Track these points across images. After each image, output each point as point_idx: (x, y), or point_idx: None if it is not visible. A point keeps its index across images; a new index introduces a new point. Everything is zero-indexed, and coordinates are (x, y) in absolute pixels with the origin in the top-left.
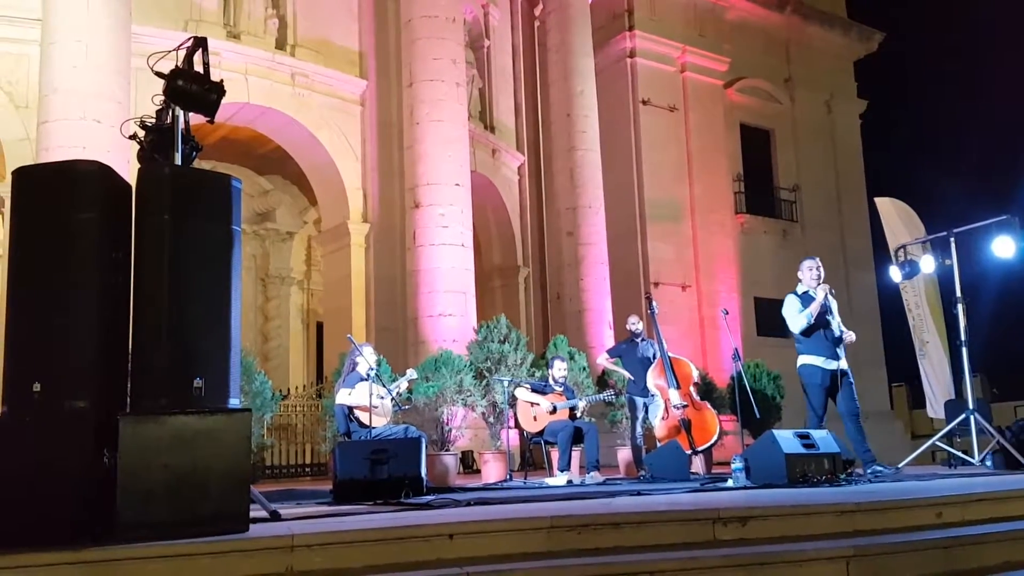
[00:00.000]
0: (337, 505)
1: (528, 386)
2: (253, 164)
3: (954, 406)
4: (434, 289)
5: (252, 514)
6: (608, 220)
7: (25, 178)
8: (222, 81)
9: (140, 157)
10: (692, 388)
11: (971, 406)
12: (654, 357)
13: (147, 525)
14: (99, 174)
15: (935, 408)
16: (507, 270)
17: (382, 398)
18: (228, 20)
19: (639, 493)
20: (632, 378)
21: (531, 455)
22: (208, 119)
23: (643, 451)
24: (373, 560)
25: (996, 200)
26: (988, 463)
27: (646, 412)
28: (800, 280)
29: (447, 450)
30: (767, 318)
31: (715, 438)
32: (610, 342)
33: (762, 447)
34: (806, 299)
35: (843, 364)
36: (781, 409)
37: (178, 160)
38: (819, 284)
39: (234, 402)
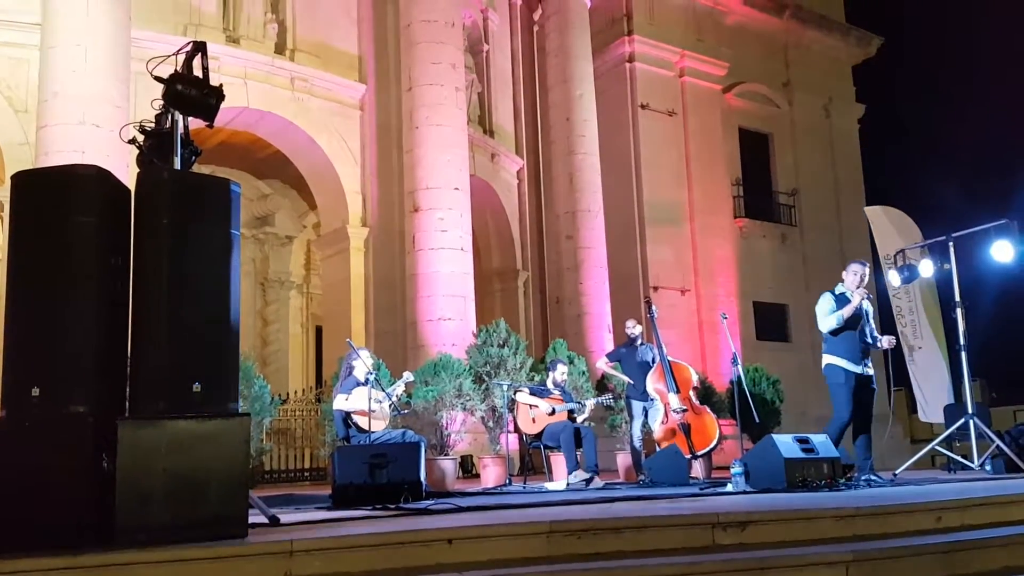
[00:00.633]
0: (336, 510)
1: (527, 390)
2: (252, 168)
3: (953, 410)
4: (433, 293)
5: (251, 519)
6: (607, 224)
7: (24, 182)
8: (221, 85)
9: (139, 161)
10: (692, 392)
11: (970, 410)
12: (653, 361)
13: (146, 529)
14: (98, 178)
15: (926, 412)
16: (506, 274)
17: (379, 402)
18: (227, 24)
19: (639, 498)
20: (631, 382)
21: (531, 459)
22: (207, 123)
23: (643, 455)
24: (372, 565)
25: (995, 204)
26: (988, 467)
27: (646, 416)
28: (842, 280)
29: (446, 455)
30: (766, 322)
31: (714, 442)
32: (610, 346)
33: (761, 451)
34: (841, 300)
35: (869, 370)
36: (780, 413)
37: (177, 164)
38: (859, 288)
39: (233, 406)
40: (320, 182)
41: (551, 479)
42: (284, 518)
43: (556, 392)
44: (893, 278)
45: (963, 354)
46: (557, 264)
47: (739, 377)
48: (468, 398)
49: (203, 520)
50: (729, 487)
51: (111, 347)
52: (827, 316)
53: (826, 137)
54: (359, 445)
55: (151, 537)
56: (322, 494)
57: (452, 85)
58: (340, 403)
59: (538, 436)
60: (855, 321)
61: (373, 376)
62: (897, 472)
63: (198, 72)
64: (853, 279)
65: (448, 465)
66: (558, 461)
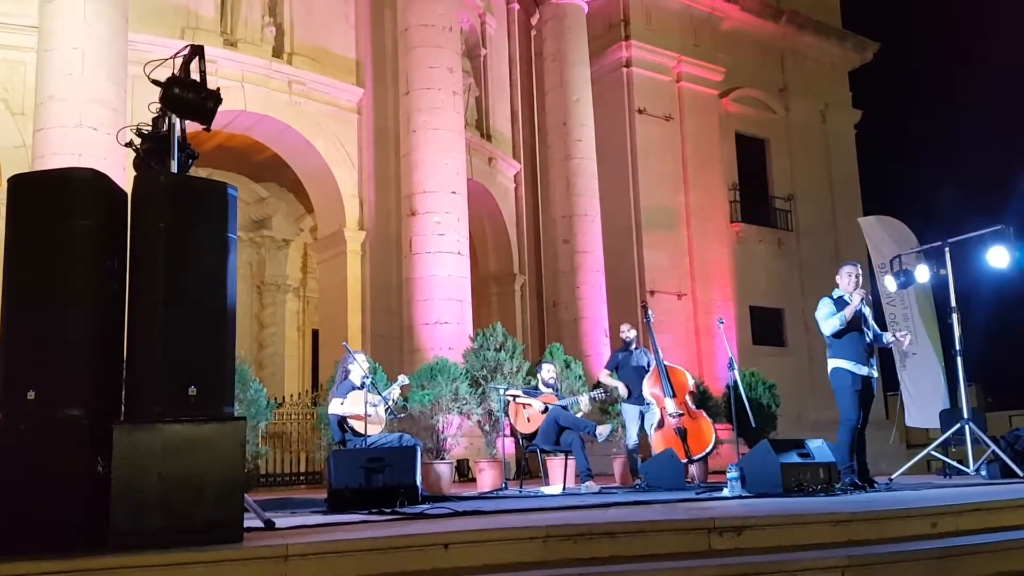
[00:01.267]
0: (332, 514)
1: (521, 392)
2: (249, 171)
3: (949, 416)
4: (430, 297)
5: (246, 523)
6: (604, 228)
7: (20, 185)
8: (218, 89)
9: (136, 165)
10: (688, 397)
11: (966, 416)
12: (648, 365)
13: (141, 533)
14: (95, 181)
15: (914, 417)
16: (503, 278)
17: (375, 406)
18: (225, 28)
19: (635, 502)
20: (624, 394)
21: (527, 463)
22: (204, 127)
23: (639, 460)
24: (367, 570)
25: (990, 210)
26: (983, 473)
27: (642, 420)
28: (837, 284)
29: (442, 458)
30: (762, 327)
31: (711, 447)
32: (606, 350)
33: (758, 456)
34: (840, 303)
35: (874, 372)
36: (776, 418)
37: (174, 167)
38: (856, 289)
39: (229, 410)
40: (317, 185)
41: (547, 483)
42: (279, 522)
43: (549, 392)
44: (889, 283)
45: (959, 359)
46: (554, 268)
47: (735, 382)
48: (464, 402)
49: (198, 524)
50: (725, 491)
51: (107, 350)
52: (828, 319)
53: (822, 142)
54: (355, 449)
55: (146, 541)
56: (318, 498)
57: (449, 89)
58: (335, 407)
59: (533, 437)
60: (857, 322)
61: (369, 380)
62: (893, 477)
63: (195, 75)
64: (848, 280)
65: (444, 469)
66: (554, 465)
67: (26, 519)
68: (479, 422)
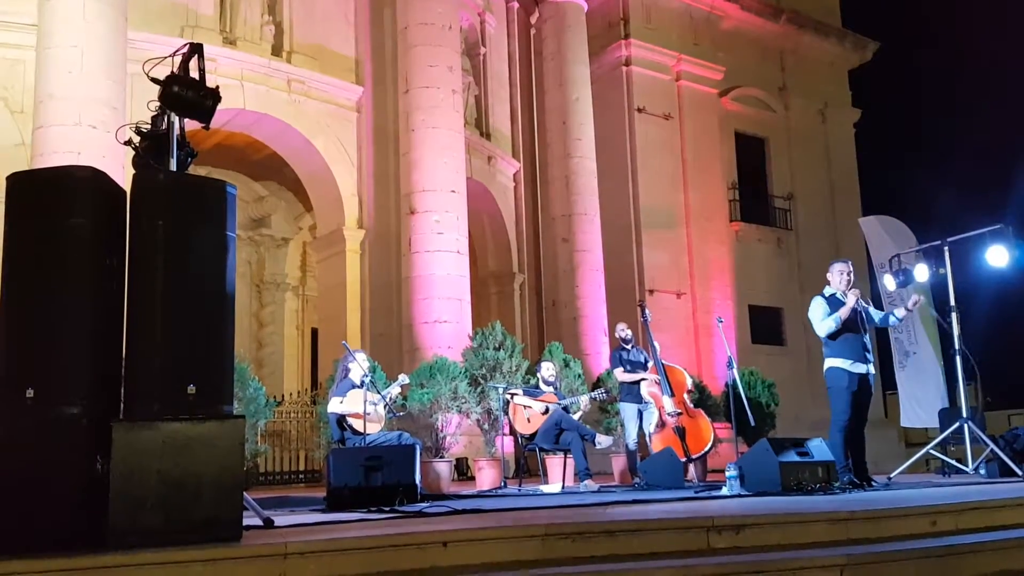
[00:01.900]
0: (331, 512)
1: (520, 391)
2: (248, 170)
3: (948, 414)
4: (429, 296)
5: (245, 521)
6: (603, 227)
7: (19, 183)
8: (218, 87)
9: (135, 163)
10: (686, 396)
11: (965, 415)
12: (646, 363)
13: (139, 532)
14: (94, 180)
15: (910, 418)
16: (502, 277)
17: (375, 404)
18: (224, 26)
19: (634, 501)
20: (637, 381)
21: (526, 462)
22: (203, 125)
23: (638, 459)
24: (366, 568)
25: (989, 209)
26: (982, 471)
27: (640, 419)
28: (828, 282)
29: (442, 457)
30: (761, 326)
31: (709, 446)
32: (605, 349)
33: (756, 455)
34: (833, 302)
35: (871, 369)
36: (775, 417)
37: (173, 166)
38: (849, 288)
39: (228, 408)
40: (316, 184)
41: (546, 482)
42: (279, 520)
43: (549, 390)
44: (888, 282)
45: (958, 358)
46: (553, 267)
47: (734, 380)
48: (464, 401)
49: (197, 522)
50: (724, 490)
51: (106, 349)
52: (823, 320)
53: (822, 142)
54: (354, 447)
55: (144, 539)
56: (317, 496)
57: (449, 88)
58: (334, 406)
59: (533, 437)
60: (852, 321)
61: (368, 379)
62: (892, 476)
63: (195, 74)
64: (840, 278)
65: (443, 468)
66: (553, 464)
67: (24, 517)
68: (478, 421)
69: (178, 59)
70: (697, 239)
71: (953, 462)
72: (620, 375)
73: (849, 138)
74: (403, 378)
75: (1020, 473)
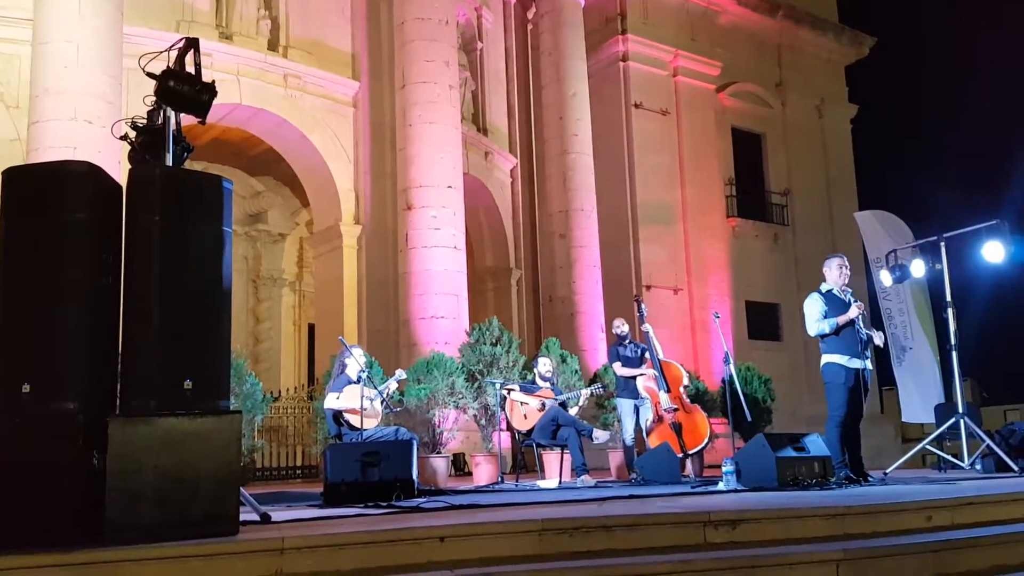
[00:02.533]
0: (327, 508)
1: (517, 387)
2: (245, 165)
3: (944, 410)
4: (426, 291)
5: (242, 516)
6: (600, 223)
7: (15, 178)
8: (214, 82)
9: (131, 158)
10: (682, 391)
11: (961, 410)
12: (642, 359)
13: (136, 527)
14: (90, 175)
15: (910, 412)
16: (499, 272)
17: (371, 400)
18: (220, 21)
19: (630, 496)
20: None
21: (523, 457)
22: (199, 120)
23: (634, 454)
24: (363, 563)
25: (986, 205)
26: (978, 467)
27: (637, 415)
28: (824, 278)
29: (438, 452)
30: (758, 322)
31: (706, 441)
32: (602, 345)
33: (753, 450)
34: (830, 298)
35: (868, 364)
36: (772, 412)
37: (169, 161)
38: (846, 284)
39: (224, 404)
40: (313, 179)
41: (543, 477)
42: (275, 516)
43: (546, 386)
44: (885, 278)
45: (954, 354)
46: (550, 263)
47: (731, 376)
48: (461, 396)
49: (194, 518)
50: (720, 485)
51: (102, 344)
52: (818, 322)
53: (819, 137)
54: (351, 443)
55: (141, 534)
56: (314, 492)
57: (446, 83)
58: (331, 402)
59: (530, 433)
60: (848, 318)
61: (365, 374)
62: (888, 471)
63: (191, 68)
64: (838, 273)
65: (440, 463)
66: (550, 459)
67: (21, 512)
68: (475, 416)
69: (174, 54)
70: (694, 235)
71: (949, 457)
72: (618, 370)
73: (846, 134)
74: (400, 373)
75: (1016, 468)
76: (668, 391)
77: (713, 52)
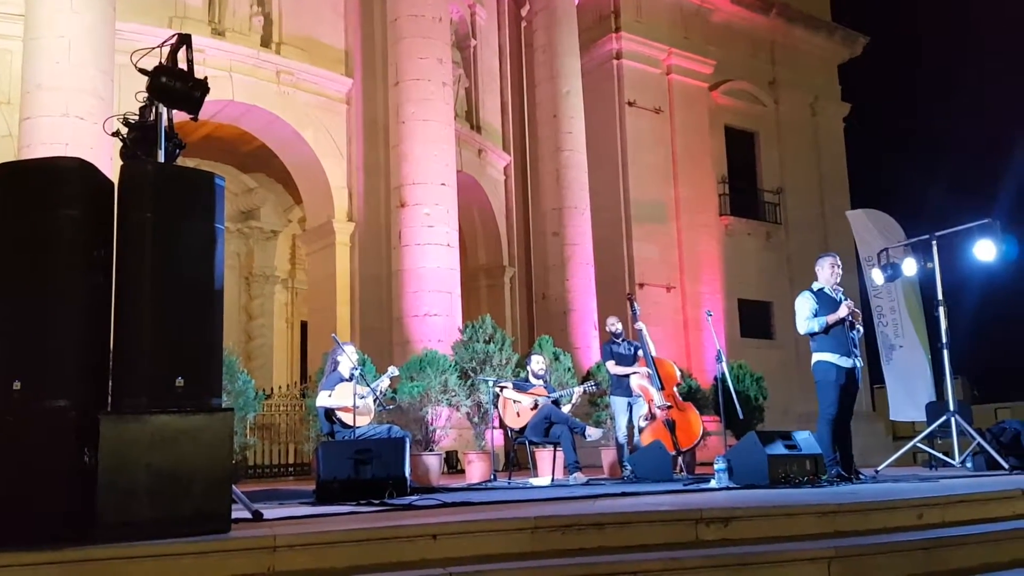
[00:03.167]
0: (320, 505)
1: (510, 385)
2: (237, 162)
3: (935, 408)
4: (419, 289)
5: (234, 514)
6: (593, 221)
7: (6, 174)
8: (206, 78)
9: (123, 154)
10: (675, 389)
11: (952, 408)
12: (636, 356)
13: (128, 525)
14: (81, 171)
15: (899, 411)
16: (493, 270)
17: (363, 397)
18: (213, 17)
19: (623, 494)
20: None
21: (515, 455)
22: (192, 116)
23: (627, 452)
24: (356, 560)
25: (978, 204)
26: (969, 465)
27: (630, 412)
28: (817, 276)
29: (431, 450)
30: (751, 320)
31: (699, 439)
32: (595, 343)
33: (745, 448)
34: (821, 297)
35: (858, 362)
36: (764, 410)
37: (161, 157)
38: (838, 283)
39: (216, 401)
40: (306, 176)
41: (536, 475)
42: (268, 513)
43: (539, 383)
44: (876, 276)
45: (945, 352)
46: (543, 260)
47: (723, 374)
48: (453, 394)
49: (186, 515)
50: (712, 483)
51: (93, 341)
52: (808, 320)
53: (811, 135)
54: (343, 440)
55: (133, 532)
56: (306, 489)
57: (439, 80)
58: (323, 400)
59: (523, 431)
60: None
61: (358, 371)
62: (879, 469)
63: (183, 65)
64: (830, 271)
65: (433, 461)
66: (542, 457)
67: (12, 510)
68: (468, 414)
69: (166, 50)
70: (687, 233)
71: (940, 455)
72: (612, 367)
73: (839, 132)
74: (392, 371)
75: (1006, 466)
76: (662, 389)
77: (706, 50)
